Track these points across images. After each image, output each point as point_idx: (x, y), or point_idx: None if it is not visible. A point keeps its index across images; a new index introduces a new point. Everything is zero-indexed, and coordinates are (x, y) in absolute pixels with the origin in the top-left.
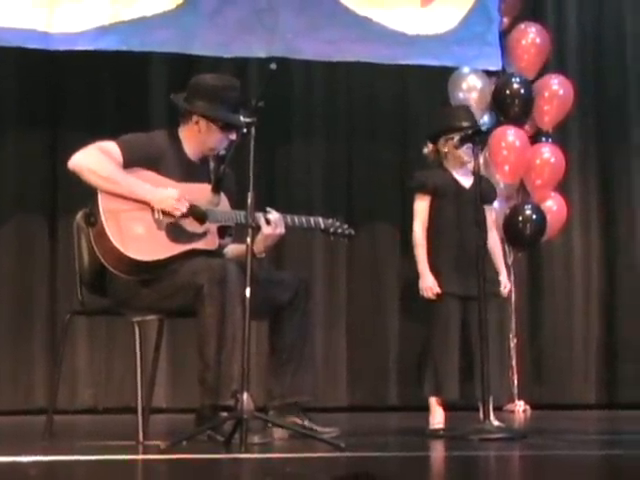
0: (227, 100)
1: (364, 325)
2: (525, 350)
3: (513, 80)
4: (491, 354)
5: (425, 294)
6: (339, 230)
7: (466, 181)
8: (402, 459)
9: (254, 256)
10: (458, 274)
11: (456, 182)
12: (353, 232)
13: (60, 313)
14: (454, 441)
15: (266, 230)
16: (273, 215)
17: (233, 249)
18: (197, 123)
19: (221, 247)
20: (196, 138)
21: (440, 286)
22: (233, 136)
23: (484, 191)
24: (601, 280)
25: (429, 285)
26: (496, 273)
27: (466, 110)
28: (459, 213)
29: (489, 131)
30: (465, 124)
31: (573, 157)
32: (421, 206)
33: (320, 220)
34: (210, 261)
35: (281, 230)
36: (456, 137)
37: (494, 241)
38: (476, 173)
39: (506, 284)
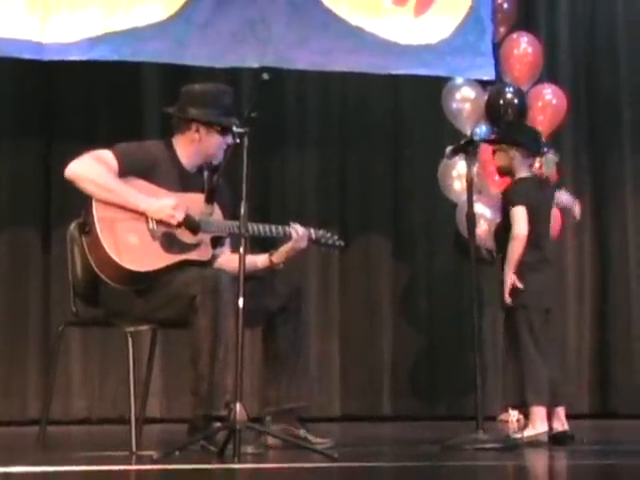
0: (222, 105)
1: (357, 335)
2: None
3: (506, 90)
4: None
5: None
6: (329, 241)
7: None
8: (396, 469)
9: (273, 267)
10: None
11: None
12: (343, 243)
13: (54, 324)
14: (448, 451)
15: (295, 243)
16: (299, 228)
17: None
18: (197, 131)
19: (214, 257)
20: (196, 146)
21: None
22: (229, 140)
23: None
24: (594, 290)
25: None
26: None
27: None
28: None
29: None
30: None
31: (566, 168)
32: None
33: (311, 231)
34: (203, 271)
35: (305, 243)
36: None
37: None
38: (469, 184)
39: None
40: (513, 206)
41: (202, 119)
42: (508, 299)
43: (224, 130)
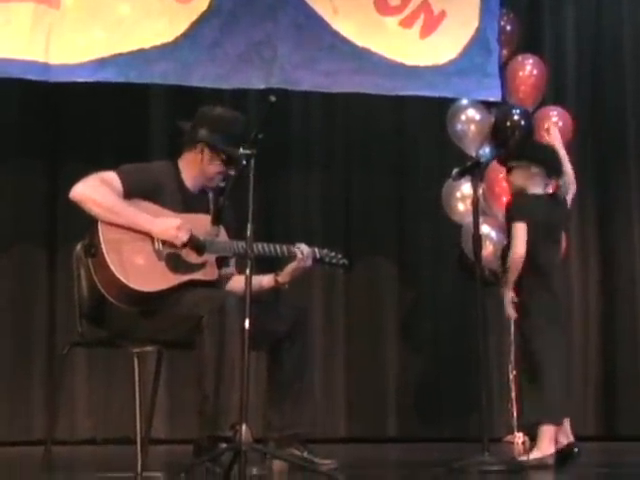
0: (233, 134)
1: (362, 356)
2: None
3: (513, 112)
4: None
5: None
6: (333, 260)
7: None
8: None
9: (278, 286)
10: None
11: None
12: (347, 262)
13: (59, 344)
14: (454, 473)
15: (300, 262)
16: (304, 247)
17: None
18: (202, 152)
19: (221, 278)
20: (197, 167)
21: None
22: (232, 171)
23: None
24: (599, 313)
25: None
26: None
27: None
28: None
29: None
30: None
31: None
32: None
33: (316, 250)
34: (210, 292)
35: (310, 262)
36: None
37: None
38: (475, 205)
39: None
40: (514, 222)
41: (208, 141)
42: (513, 314)
43: (228, 159)
